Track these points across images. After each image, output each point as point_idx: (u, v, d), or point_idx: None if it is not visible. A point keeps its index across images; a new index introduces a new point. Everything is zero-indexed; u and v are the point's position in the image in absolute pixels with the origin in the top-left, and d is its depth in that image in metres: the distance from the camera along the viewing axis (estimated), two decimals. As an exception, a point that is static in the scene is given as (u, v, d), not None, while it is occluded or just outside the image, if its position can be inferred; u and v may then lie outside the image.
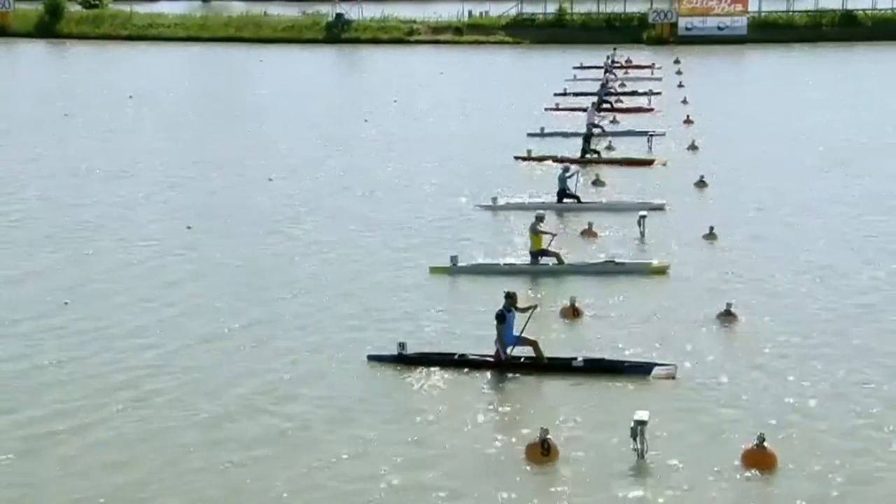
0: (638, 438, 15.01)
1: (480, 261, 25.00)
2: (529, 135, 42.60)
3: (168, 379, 18.33)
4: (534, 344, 18.56)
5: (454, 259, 24.46)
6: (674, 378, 17.96)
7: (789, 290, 22.85)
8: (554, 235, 25.10)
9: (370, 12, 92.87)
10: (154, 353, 19.57)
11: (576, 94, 54.34)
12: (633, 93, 54.87)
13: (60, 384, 18.16)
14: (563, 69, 63.87)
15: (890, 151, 38.92)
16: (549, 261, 24.49)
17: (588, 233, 27.39)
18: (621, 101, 51.87)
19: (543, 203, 30.03)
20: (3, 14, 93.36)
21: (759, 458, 14.82)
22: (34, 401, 17.49)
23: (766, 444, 14.84)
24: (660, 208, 29.86)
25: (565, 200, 30.45)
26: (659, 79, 60.60)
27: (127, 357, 19.36)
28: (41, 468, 15.26)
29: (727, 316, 20.64)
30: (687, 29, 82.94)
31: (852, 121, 46.39)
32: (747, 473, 14.72)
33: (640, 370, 18.14)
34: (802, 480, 14.62)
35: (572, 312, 21.08)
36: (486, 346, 18.90)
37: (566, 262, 24.42)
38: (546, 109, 50.16)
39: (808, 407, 16.91)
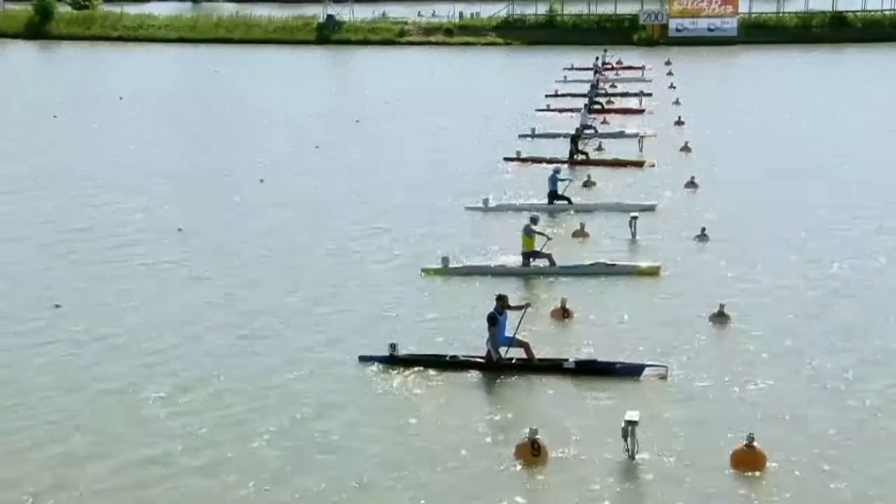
0: (629, 439, 15.04)
1: (472, 262, 25.00)
2: (520, 136, 42.65)
3: (159, 378, 18.31)
4: (525, 345, 18.57)
5: (445, 260, 24.47)
6: (665, 378, 17.98)
7: (781, 290, 22.87)
8: (549, 239, 24.94)
9: (361, 13, 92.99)
10: (145, 355, 19.53)
11: (567, 96, 54.42)
12: (625, 94, 54.94)
13: (50, 387, 18.15)
14: (554, 70, 63.93)
15: (883, 151, 38.98)
16: (541, 262, 24.49)
17: (579, 234, 27.41)
18: (612, 103, 51.93)
19: (534, 204, 30.07)
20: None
21: (749, 458, 14.85)
22: (24, 401, 17.51)
23: (755, 443, 14.87)
24: (651, 209, 29.90)
25: (556, 202, 30.47)
26: (650, 80, 60.69)
27: (119, 358, 19.35)
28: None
29: (720, 317, 20.66)
30: (678, 30, 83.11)
31: (843, 122, 46.51)
32: (737, 473, 14.75)
33: (631, 371, 18.16)
34: (792, 480, 14.65)
35: (563, 314, 21.08)
36: (477, 348, 18.91)
37: (557, 263, 24.43)
38: (537, 111, 50.21)
39: (800, 407, 16.94)
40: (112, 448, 15.86)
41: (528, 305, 19.41)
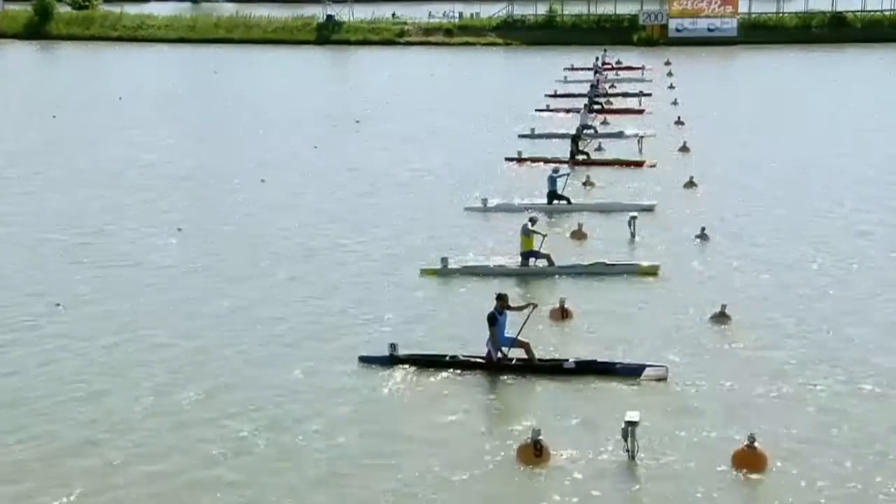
0: (629, 439, 15.03)
1: (471, 262, 24.98)
2: (520, 136, 42.65)
3: (159, 379, 18.30)
4: (526, 346, 18.54)
5: (444, 261, 24.44)
6: (665, 379, 17.96)
7: (782, 290, 22.85)
8: (544, 236, 25.01)
9: (361, 13, 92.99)
10: (142, 354, 19.53)
11: (567, 96, 54.43)
12: (624, 94, 54.94)
13: (45, 385, 18.16)
14: (554, 70, 63.95)
15: (884, 151, 38.97)
16: (540, 262, 24.47)
17: (578, 234, 27.39)
18: (612, 103, 51.92)
19: (533, 204, 30.07)
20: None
21: (750, 459, 14.83)
22: (21, 402, 17.50)
23: (756, 444, 14.85)
24: (650, 209, 29.88)
25: (555, 202, 30.46)
26: (650, 80, 60.70)
27: (118, 358, 19.34)
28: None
29: (721, 317, 20.63)
30: (677, 30, 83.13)
31: (843, 121, 46.50)
32: (737, 474, 14.73)
33: (631, 371, 18.14)
34: (793, 481, 14.63)
35: (563, 314, 21.06)
36: (476, 348, 18.88)
37: (556, 263, 24.42)
38: (537, 110, 50.21)
39: (801, 408, 16.93)
40: (128, 454, 15.85)
41: (533, 306, 19.37)
